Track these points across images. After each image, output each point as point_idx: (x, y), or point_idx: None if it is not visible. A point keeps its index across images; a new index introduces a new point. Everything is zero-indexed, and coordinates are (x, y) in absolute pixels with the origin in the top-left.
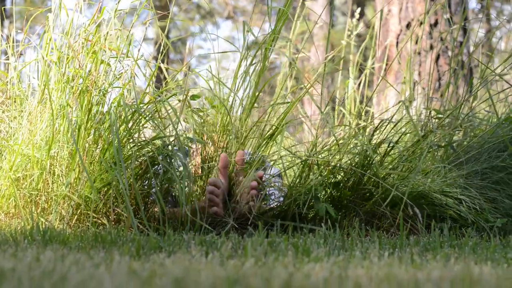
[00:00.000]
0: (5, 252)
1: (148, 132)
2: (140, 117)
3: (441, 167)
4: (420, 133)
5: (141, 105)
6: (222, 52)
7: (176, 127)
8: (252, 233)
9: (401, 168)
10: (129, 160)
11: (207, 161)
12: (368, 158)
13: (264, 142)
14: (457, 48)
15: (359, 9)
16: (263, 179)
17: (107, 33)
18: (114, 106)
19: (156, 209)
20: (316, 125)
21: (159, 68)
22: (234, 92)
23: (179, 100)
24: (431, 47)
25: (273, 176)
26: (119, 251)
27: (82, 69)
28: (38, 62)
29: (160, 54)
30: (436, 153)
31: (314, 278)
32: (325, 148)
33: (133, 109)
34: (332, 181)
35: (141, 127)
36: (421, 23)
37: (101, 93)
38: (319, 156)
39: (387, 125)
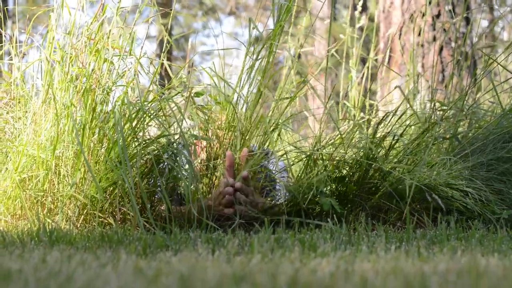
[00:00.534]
0: (11, 254)
1: (153, 130)
2: (145, 115)
3: (446, 159)
4: (425, 124)
5: (145, 103)
6: (226, 49)
7: (180, 124)
8: (258, 229)
9: (406, 161)
10: (134, 159)
11: (212, 159)
12: (373, 152)
13: (268, 137)
14: (460, 39)
15: (361, 2)
16: (269, 175)
17: (110, 31)
18: (118, 105)
19: (162, 208)
20: (320, 119)
21: (162, 66)
22: (239, 89)
23: (183, 97)
24: (434, 39)
25: (279, 171)
26: (125, 250)
27: (86, 68)
28: (41, 62)
29: (163, 51)
30: (441, 145)
31: (320, 273)
32: (329, 143)
33: (137, 107)
34: (337, 175)
35: (145, 126)
36: (423, 15)
37: (105, 91)
38: (324, 150)
39: (391, 118)
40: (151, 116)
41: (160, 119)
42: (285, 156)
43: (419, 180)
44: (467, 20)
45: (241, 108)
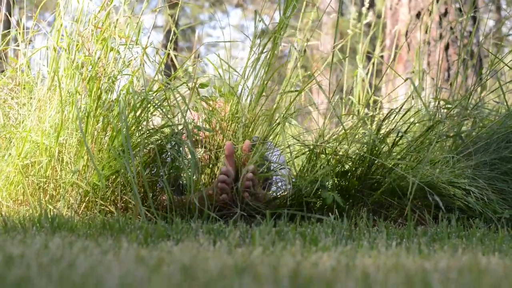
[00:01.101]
0: (13, 239)
1: (156, 120)
2: (149, 105)
3: (449, 158)
4: (429, 122)
5: (150, 92)
6: (232, 42)
7: (184, 115)
8: (260, 222)
9: (410, 158)
10: (138, 148)
11: (215, 149)
12: (376, 148)
13: (272, 130)
14: (467, 38)
15: None
16: (271, 167)
17: (117, 20)
18: (123, 94)
19: (164, 197)
20: (324, 114)
21: (168, 56)
22: (245, 80)
23: (189, 88)
24: (441, 37)
25: (281, 164)
26: (127, 239)
27: (92, 56)
28: (47, 49)
29: (169, 42)
30: (444, 143)
31: (321, 267)
32: (333, 138)
33: (142, 97)
34: (340, 170)
35: (149, 115)
36: (430, 13)
37: (110, 80)
38: (327, 145)
39: (395, 115)
40: (156, 106)
41: (164, 109)
42: (288, 149)
43: (422, 178)
44: (474, 19)
45: (245, 100)
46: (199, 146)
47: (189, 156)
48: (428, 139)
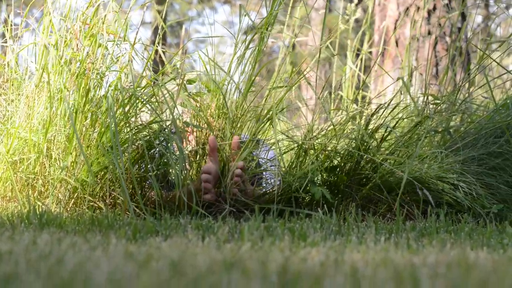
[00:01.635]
0: (1, 235)
1: (145, 116)
2: (137, 101)
3: (437, 153)
4: (417, 117)
5: (138, 88)
6: (219, 36)
7: (172, 111)
8: (248, 217)
9: (398, 154)
10: (126, 144)
11: (202, 145)
12: (365, 143)
13: (261, 126)
14: (455, 34)
15: None
16: (260, 163)
17: (105, 16)
18: (112, 90)
19: (152, 193)
20: (313, 110)
21: (156, 52)
22: (230, 76)
23: (177, 84)
24: (429, 33)
25: (270, 160)
26: (115, 235)
27: (80, 52)
28: (35, 45)
29: (157, 36)
30: (433, 138)
31: (310, 262)
32: (321, 133)
33: (130, 93)
34: (329, 165)
35: (138, 111)
36: (418, 8)
37: (98, 76)
38: (316, 141)
39: (384, 110)
40: (144, 102)
41: (152, 105)
42: (276, 145)
43: (410, 173)
44: (463, 16)
45: (232, 96)
46: (188, 143)
47: (178, 152)
48: (416, 134)
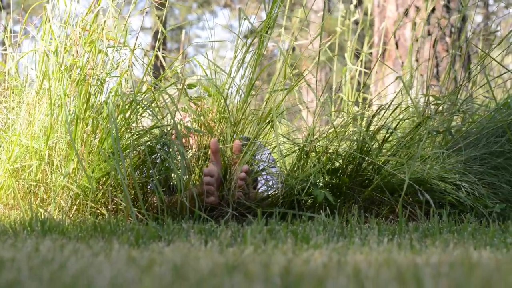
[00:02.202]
0: (4, 243)
1: (146, 122)
2: (138, 106)
3: (439, 153)
4: (419, 118)
5: (139, 94)
6: (219, 41)
7: (173, 116)
8: (251, 221)
9: (400, 155)
10: (128, 149)
11: (204, 149)
12: (366, 145)
13: (262, 129)
14: (455, 34)
15: None
16: (260, 166)
17: (105, 22)
18: (112, 96)
19: (155, 199)
20: (313, 112)
21: (157, 57)
22: (230, 80)
23: (177, 89)
24: (429, 33)
25: (270, 164)
26: (118, 240)
27: (80, 58)
28: (35, 53)
29: (157, 41)
30: (434, 139)
31: (313, 264)
32: (323, 135)
33: (130, 99)
34: (331, 168)
35: (138, 117)
36: (418, 9)
37: (99, 82)
38: (317, 143)
39: (385, 112)
40: (144, 107)
41: (153, 110)
42: (277, 148)
43: (413, 174)
44: (462, 16)
45: (233, 99)
46: (189, 147)
47: (179, 157)
48: (418, 135)
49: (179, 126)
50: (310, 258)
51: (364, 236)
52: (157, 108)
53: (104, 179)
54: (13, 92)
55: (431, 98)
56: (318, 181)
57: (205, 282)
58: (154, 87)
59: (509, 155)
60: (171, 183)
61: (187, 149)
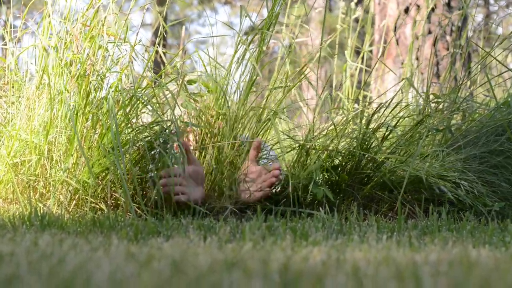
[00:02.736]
0: (3, 237)
1: (146, 117)
2: (138, 102)
3: (439, 151)
4: (419, 116)
5: (139, 89)
6: (219, 36)
7: (173, 111)
8: (250, 217)
9: (399, 152)
10: (127, 145)
11: (201, 145)
12: (366, 143)
13: (262, 126)
14: (455, 32)
15: None
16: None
17: (105, 18)
18: (112, 91)
19: (154, 194)
20: (313, 109)
21: (157, 53)
22: (230, 77)
23: (177, 84)
24: (430, 32)
25: (271, 160)
26: (117, 236)
27: (80, 54)
28: (35, 48)
29: (157, 37)
30: (434, 137)
31: (312, 261)
32: (323, 133)
33: (130, 94)
34: (330, 165)
35: (138, 112)
36: (419, 7)
37: (99, 78)
38: (317, 141)
39: (385, 110)
40: (144, 103)
41: (153, 106)
42: (278, 145)
43: (412, 172)
44: (464, 15)
45: (233, 96)
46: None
47: (178, 153)
48: (417, 133)
49: (178, 122)
50: (309, 255)
51: (363, 234)
52: (157, 104)
53: (104, 174)
54: (13, 87)
55: (431, 96)
56: (317, 177)
57: (204, 278)
58: (154, 83)
59: (508, 153)
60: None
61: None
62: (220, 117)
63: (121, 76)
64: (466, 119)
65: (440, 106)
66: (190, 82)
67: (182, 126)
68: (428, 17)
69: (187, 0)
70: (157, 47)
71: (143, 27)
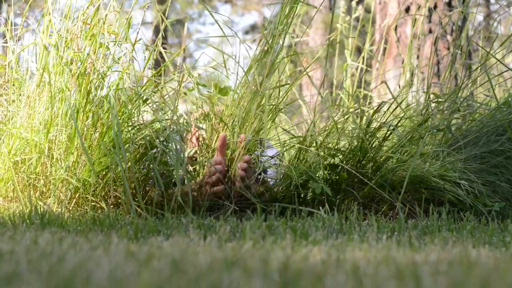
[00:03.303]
0: (3, 235)
1: (147, 117)
2: (140, 99)
3: (439, 151)
4: (419, 116)
5: (140, 87)
6: (221, 36)
7: (174, 110)
8: (250, 216)
9: (400, 152)
10: (128, 143)
11: (204, 145)
12: (367, 142)
13: (263, 125)
14: (456, 32)
15: None
16: (261, 160)
17: (106, 16)
18: (113, 90)
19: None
20: (314, 108)
21: (159, 52)
22: (236, 76)
23: (179, 82)
24: (430, 31)
25: (272, 157)
26: (117, 234)
27: (81, 52)
28: (36, 46)
29: (158, 34)
30: (434, 137)
31: (311, 260)
32: (323, 131)
33: (132, 92)
34: (330, 163)
35: (139, 111)
36: (419, 7)
37: (99, 76)
38: (317, 138)
39: (387, 110)
40: (146, 101)
41: (154, 104)
42: (279, 142)
43: (412, 171)
44: (464, 14)
45: (237, 95)
46: (190, 144)
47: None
48: (418, 133)
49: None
50: (308, 255)
51: (363, 233)
52: (162, 102)
53: (104, 172)
54: (13, 85)
55: (431, 96)
56: (316, 175)
57: (204, 277)
58: (155, 81)
59: (509, 153)
60: (172, 180)
61: (190, 147)
62: (232, 116)
63: (122, 75)
64: (467, 119)
65: (441, 106)
66: (190, 90)
67: (187, 126)
68: (429, 17)
69: None
70: (156, 46)
71: (144, 25)
